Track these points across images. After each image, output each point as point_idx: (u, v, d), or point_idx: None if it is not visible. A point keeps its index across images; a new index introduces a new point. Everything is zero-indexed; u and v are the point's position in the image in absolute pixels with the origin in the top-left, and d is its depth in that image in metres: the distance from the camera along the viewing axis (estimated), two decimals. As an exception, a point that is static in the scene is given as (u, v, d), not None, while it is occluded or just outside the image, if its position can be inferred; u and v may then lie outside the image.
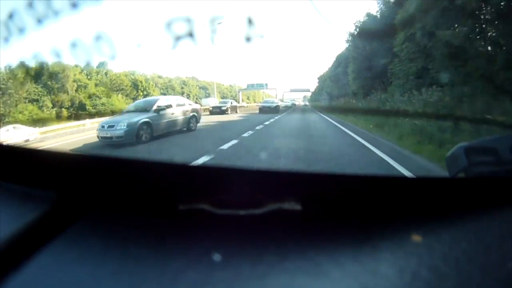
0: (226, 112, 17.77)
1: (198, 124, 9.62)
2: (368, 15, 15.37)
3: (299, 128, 10.30)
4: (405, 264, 0.43)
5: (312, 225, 0.51)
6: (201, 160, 4.77)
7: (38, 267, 0.44)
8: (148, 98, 10.67)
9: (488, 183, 0.58)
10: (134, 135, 6.89)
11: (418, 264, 0.42)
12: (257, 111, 18.69)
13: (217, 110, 17.59)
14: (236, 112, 19.58)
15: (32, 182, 0.60)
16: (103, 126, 7.08)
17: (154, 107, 7.89)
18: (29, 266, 0.43)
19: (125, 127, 6.83)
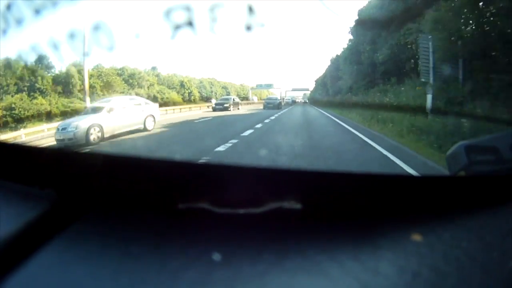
0: (229, 109, 17.74)
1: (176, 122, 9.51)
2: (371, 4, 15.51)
3: (300, 114, 14.22)
4: (406, 263, 0.42)
5: (312, 224, 0.51)
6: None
7: (38, 266, 0.44)
8: (103, 99, 10.35)
9: (489, 182, 0.58)
10: (84, 136, 6.82)
11: (419, 263, 0.42)
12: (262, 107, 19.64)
13: (220, 107, 17.55)
14: (238, 108, 19.60)
15: (32, 181, 0.60)
16: (58, 129, 7.05)
17: (107, 108, 7.81)
18: (29, 265, 0.43)
19: (75, 129, 6.80)
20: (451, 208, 0.54)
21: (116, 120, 7.86)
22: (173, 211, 0.53)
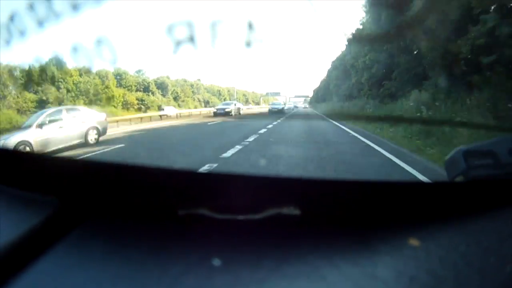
0: (230, 114, 17.74)
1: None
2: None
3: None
4: (404, 268, 0.43)
5: (311, 230, 0.51)
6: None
7: (40, 272, 0.44)
8: (36, 113, 9.21)
9: (487, 186, 0.58)
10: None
11: (417, 267, 0.43)
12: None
13: (221, 112, 17.53)
14: (240, 113, 19.62)
15: (34, 187, 0.60)
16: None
17: (37, 122, 7.03)
18: (30, 272, 0.44)
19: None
20: (449, 213, 0.54)
21: (50, 135, 7.03)
22: (173, 217, 0.54)
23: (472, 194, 0.57)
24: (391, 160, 5.00)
